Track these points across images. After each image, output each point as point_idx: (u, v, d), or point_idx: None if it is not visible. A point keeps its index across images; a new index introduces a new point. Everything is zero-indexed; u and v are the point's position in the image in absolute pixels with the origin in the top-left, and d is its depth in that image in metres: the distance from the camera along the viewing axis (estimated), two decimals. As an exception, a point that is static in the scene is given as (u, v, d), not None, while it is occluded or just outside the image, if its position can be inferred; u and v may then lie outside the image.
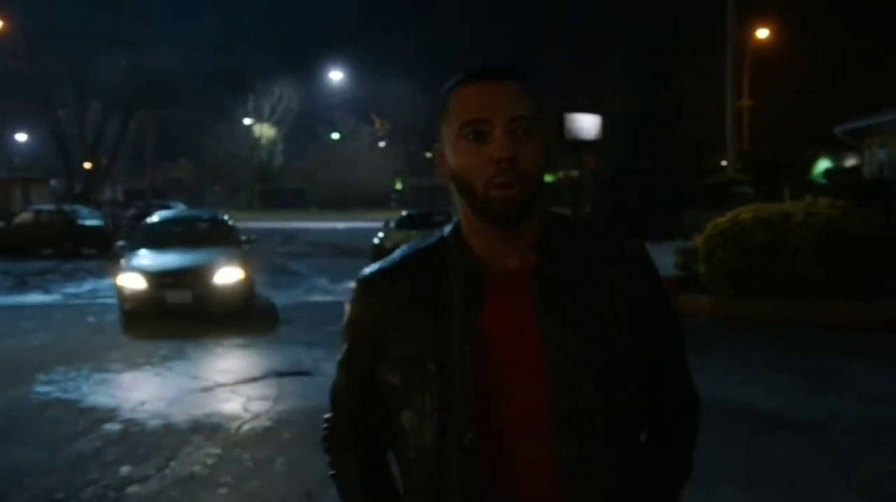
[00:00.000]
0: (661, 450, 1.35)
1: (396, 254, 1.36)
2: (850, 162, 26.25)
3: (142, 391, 6.79)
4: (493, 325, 1.24)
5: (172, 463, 4.85)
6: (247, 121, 54.60)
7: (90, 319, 10.74)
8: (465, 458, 1.21)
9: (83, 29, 31.68)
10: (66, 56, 31.73)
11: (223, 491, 4.44)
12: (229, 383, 6.95)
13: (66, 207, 23.03)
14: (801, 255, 9.62)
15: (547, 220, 1.31)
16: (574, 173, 24.76)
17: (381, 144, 56.10)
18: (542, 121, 1.28)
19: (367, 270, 1.36)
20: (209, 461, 4.91)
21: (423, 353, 1.25)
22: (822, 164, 27.94)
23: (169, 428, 5.61)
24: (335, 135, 55.98)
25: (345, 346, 1.37)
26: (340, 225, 32.20)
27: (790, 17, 28.25)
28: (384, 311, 1.30)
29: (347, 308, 1.40)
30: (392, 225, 16.52)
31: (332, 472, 1.40)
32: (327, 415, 1.41)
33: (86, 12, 32.15)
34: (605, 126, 24.89)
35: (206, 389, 6.77)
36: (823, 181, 21.47)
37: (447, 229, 1.34)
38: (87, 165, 37.25)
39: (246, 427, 5.64)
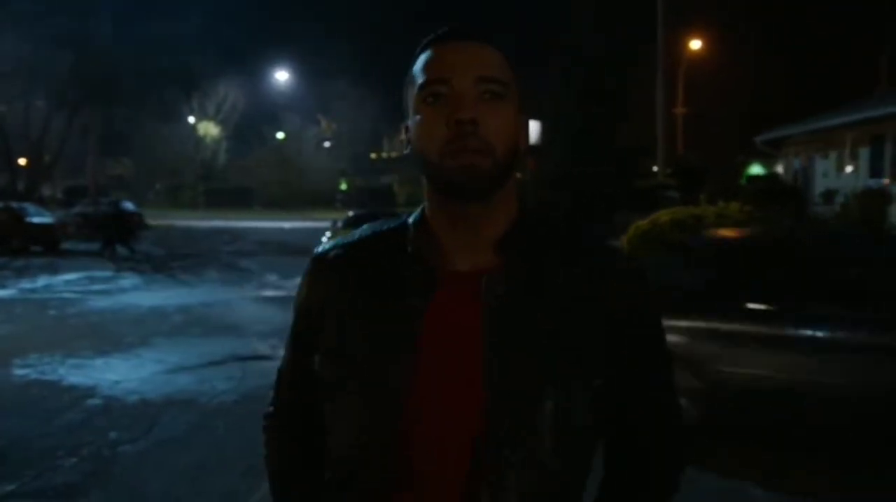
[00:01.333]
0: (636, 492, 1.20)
1: (357, 233, 1.20)
2: (780, 168, 27.81)
3: (115, 373, 7.45)
4: (435, 332, 1.06)
5: (155, 429, 5.60)
6: (191, 119, 54.50)
7: (52, 312, 11.27)
8: (381, 476, 1.06)
9: (28, 25, 31.53)
10: (9, 53, 31.57)
11: (203, 449, 5.21)
12: (195, 366, 7.65)
13: (14, 204, 23.13)
14: (707, 256, 10.72)
15: (519, 216, 1.12)
16: (518, 175, 25.79)
17: (327, 144, 56.56)
18: (516, 92, 1.08)
19: (322, 247, 1.21)
20: (187, 427, 5.68)
21: (353, 350, 1.09)
22: (754, 170, 29.32)
23: (146, 403, 6.33)
24: (280, 135, 56.25)
25: (292, 325, 1.22)
26: (287, 224, 32.72)
27: (725, 28, 29.77)
28: (328, 295, 1.14)
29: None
30: (339, 225, 17.19)
31: (264, 453, 1.30)
32: (272, 392, 1.30)
33: (30, 9, 31.98)
34: (545, 131, 26.04)
35: (174, 371, 7.46)
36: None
37: (414, 213, 1.17)
38: (24, 162, 36.99)
39: (216, 400, 6.40)
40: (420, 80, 1.08)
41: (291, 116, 54.55)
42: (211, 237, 26.02)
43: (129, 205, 25.57)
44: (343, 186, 53.50)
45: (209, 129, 55.29)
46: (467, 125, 1.03)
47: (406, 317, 1.08)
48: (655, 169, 23.29)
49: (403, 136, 1.15)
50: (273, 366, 6.62)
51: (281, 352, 5.82)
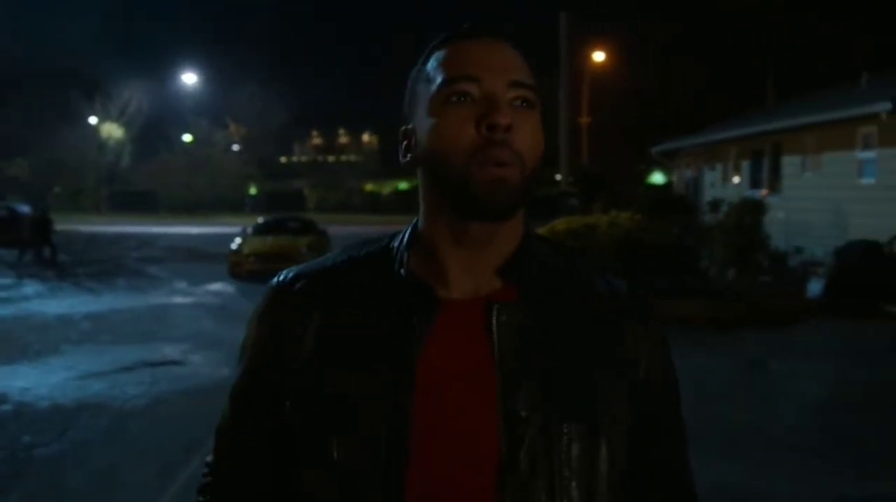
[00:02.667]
0: None
1: (327, 259, 1.06)
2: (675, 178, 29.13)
3: (24, 380, 7.55)
4: (437, 366, 0.94)
5: (69, 432, 5.84)
6: (93, 120, 52.95)
7: (-48, 321, 11.12)
8: None
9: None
10: None
11: (117, 450, 5.49)
12: (105, 372, 7.82)
13: None
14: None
15: (524, 237, 1.01)
16: (410, 183, 26.23)
17: (236, 148, 55.90)
18: (541, 101, 0.98)
19: (282, 276, 1.06)
20: (100, 429, 5.94)
21: (340, 396, 0.94)
22: (655, 179, 30.55)
23: (58, 408, 6.53)
24: (188, 138, 55.28)
25: (241, 372, 1.05)
26: (195, 230, 32.30)
27: (627, 42, 31.11)
28: (298, 332, 0.99)
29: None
30: (249, 231, 17.29)
31: None
32: (209, 459, 1.10)
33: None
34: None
35: (84, 377, 7.62)
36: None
37: (399, 235, 1.04)
38: None
39: (128, 404, 6.65)
40: (441, 76, 0.95)
41: (199, 120, 53.63)
42: (116, 243, 25.54)
43: (24, 209, 24.78)
44: (252, 191, 52.94)
45: (112, 132, 53.83)
46: (501, 132, 0.91)
47: (403, 349, 0.94)
48: (559, 177, 24.17)
49: (404, 142, 1.02)
50: (184, 371, 7.03)
51: (192, 357, 6.27)
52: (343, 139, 72.65)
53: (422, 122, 0.97)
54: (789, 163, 16.29)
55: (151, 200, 48.74)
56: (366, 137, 69.38)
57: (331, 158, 67.32)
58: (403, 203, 41.37)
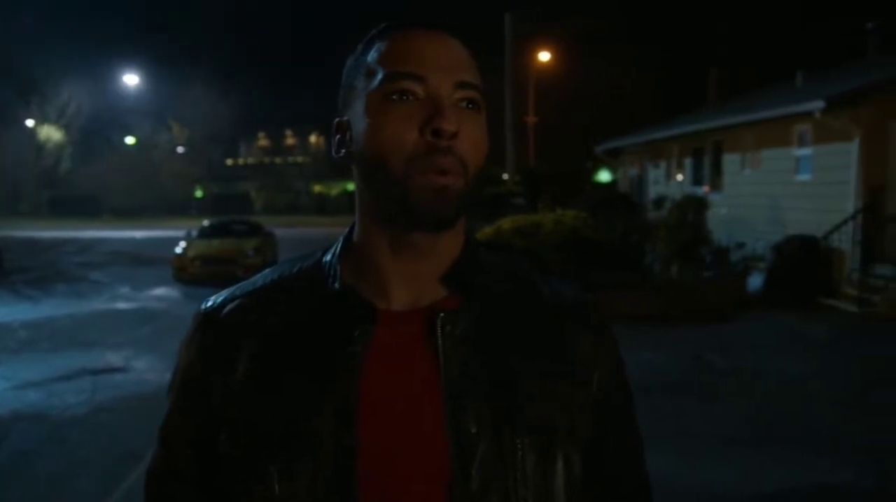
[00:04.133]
0: None
1: (256, 279, 1.00)
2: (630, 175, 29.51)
3: (-41, 391, 7.35)
4: (379, 384, 0.88)
5: (6, 442, 5.68)
6: (29, 122, 51.57)
7: None
8: None
9: None
10: None
11: (58, 458, 5.36)
12: (44, 381, 7.61)
13: None
14: (550, 259, 11.59)
15: (466, 244, 0.96)
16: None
17: (180, 150, 55.00)
18: (487, 102, 0.93)
19: (211, 301, 0.99)
20: (40, 439, 5.78)
21: (278, 426, 0.88)
22: (602, 177, 30.94)
23: (-5, 418, 6.35)
24: (130, 140, 54.21)
25: (170, 408, 0.98)
26: (138, 233, 31.71)
27: (573, 43, 31.49)
28: (231, 360, 0.93)
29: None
30: (194, 234, 17.02)
31: None
32: None
33: None
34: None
35: (22, 387, 7.40)
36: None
37: (331, 248, 0.98)
38: None
39: (68, 413, 6.49)
40: (383, 70, 0.89)
41: (142, 121, 52.66)
42: (56, 248, 24.91)
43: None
44: (198, 194, 52.14)
45: (51, 134, 52.50)
46: (446, 139, 0.85)
47: (344, 369, 0.89)
48: (505, 176, 24.31)
49: (337, 135, 0.95)
50: (127, 378, 6.88)
51: (135, 363, 6.12)
52: (290, 140, 71.99)
53: (359, 119, 0.91)
54: (730, 160, 16.66)
55: (93, 204, 47.67)
56: (313, 138, 68.86)
57: (278, 160, 66.63)
58: (352, 204, 41.08)
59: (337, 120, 0.96)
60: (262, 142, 72.82)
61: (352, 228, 0.98)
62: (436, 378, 0.89)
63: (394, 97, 0.88)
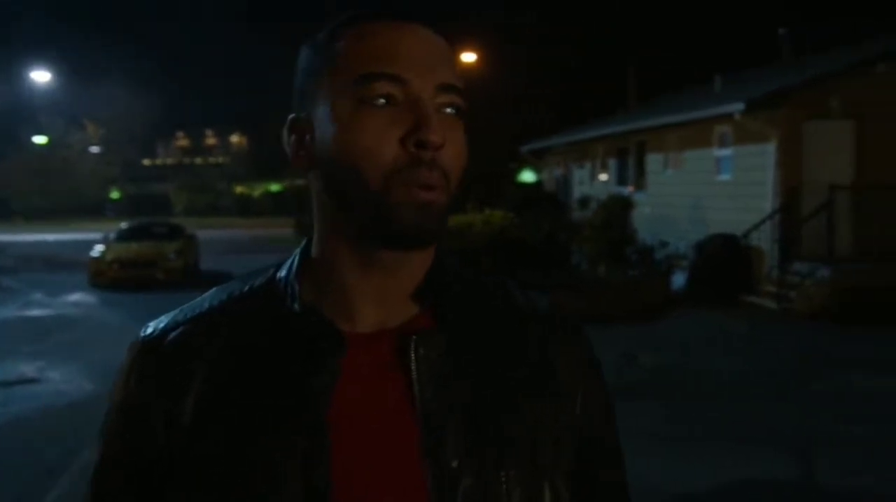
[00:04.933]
0: None
1: (199, 301, 0.89)
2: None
3: None
4: (349, 415, 0.79)
5: None
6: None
7: None
8: None
9: None
10: None
11: (-34, 478, 5.04)
12: (-48, 395, 7.21)
13: None
14: (481, 258, 11.60)
15: (436, 258, 0.87)
16: (299, 182, 25.84)
17: (95, 150, 53.18)
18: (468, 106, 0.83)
19: (151, 328, 0.88)
20: (-54, 458, 5.42)
21: (236, 466, 0.78)
22: (525, 177, 31.25)
23: None
24: (41, 140, 52.13)
25: (104, 452, 0.86)
26: (51, 237, 30.47)
27: (498, 43, 31.69)
28: (178, 395, 0.82)
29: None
30: (112, 237, 16.44)
31: None
32: None
33: None
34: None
35: (-73, 401, 7.00)
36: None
37: (286, 264, 0.88)
38: None
39: (-22, 428, 6.13)
40: (356, 70, 0.78)
41: (53, 120, 50.70)
42: (-39, 253, 23.72)
43: None
44: (114, 195, 50.50)
45: (-45, 133, 50.01)
46: (432, 151, 0.76)
47: (309, 400, 0.79)
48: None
49: (293, 135, 0.83)
50: (41, 389, 6.56)
51: (49, 374, 5.80)
52: (210, 140, 70.43)
53: (325, 123, 0.79)
54: (653, 160, 16.99)
55: (2, 206, 45.66)
56: (235, 138, 67.57)
57: (198, 160, 65.07)
58: (275, 205, 40.52)
59: (293, 117, 0.84)
60: (182, 141, 71.09)
61: (309, 241, 0.88)
62: (410, 407, 0.80)
63: (372, 101, 0.77)
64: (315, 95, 0.81)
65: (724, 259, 12.22)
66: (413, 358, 0.80)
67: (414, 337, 0.81)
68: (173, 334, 0.86)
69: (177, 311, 0.89)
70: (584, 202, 16.69)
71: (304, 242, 0.88)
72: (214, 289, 0.91)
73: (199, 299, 0.90)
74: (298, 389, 0.79)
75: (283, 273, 0.87)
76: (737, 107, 12.30)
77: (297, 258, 0.87)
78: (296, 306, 0.83)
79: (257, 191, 49.01)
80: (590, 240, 13.16)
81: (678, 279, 12.56)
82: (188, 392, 0.82)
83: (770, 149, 12.50)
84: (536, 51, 33.82)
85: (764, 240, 12.32)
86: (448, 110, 0.80)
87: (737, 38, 25.65)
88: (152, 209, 39.75)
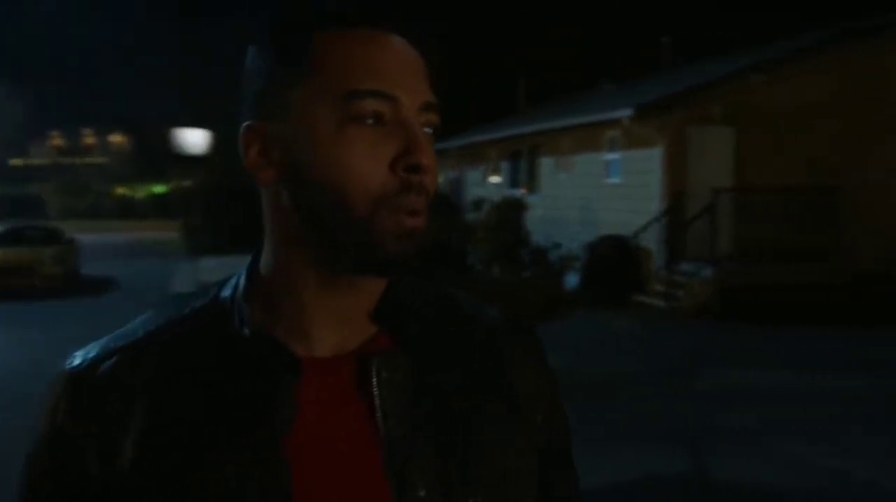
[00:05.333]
0: None
1: (133, 327, 0.81)
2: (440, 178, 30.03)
3: None
4: (309, 453, 0.74)
5: None
6: None
7: None
8: None
9: None
10: None
11: None
12: None
13: None
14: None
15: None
16: (186, 183, 25.00)
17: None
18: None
19: (79, 359, 0.79)
20: None
21: None
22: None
23: None
24: None
25: (26, 494, 0.78)
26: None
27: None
28: (115, 432, 0.74)
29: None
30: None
31: None
32: None
33: None
34: (216, 139, 25.47)
35: None
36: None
37: (230, 283, 0.82)
38: None
39: None
40: (349, 83, 0.72)
41: None
42: None
43: None
44: (-21, 196, 47.48)
45: None
46: (421, 176, 0.72)
47: (265, 433, 0.73)
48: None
49: (255, 146, 0.75)
50: None
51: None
52: (89, 140, 67.26)
53: (303, 136, 0.72)
54: (546, 163, 17.34)
55: None
56: (115, 138, 64.76)
57: (77, 160, 61.98)
58: (160, 207, 39.03)
59: (251, 124, 0.75)
60: (56, 141, 67.59)
61: (255, 259, 0.81)
62: (373, 433, 0.75)
63: (359, 119, 0.71)
64: (285, 104, 0.74)
65: (614, 260, 12.59)
66: (375, 382, 0.76)
67: (376, 359, 0.76)
68: (106, 364, 0.78)
69: (107, 339, 0.81)
70: (478, 204, 16.83)
71: (249, 260, 0.81)
72: (148, 313, 0.83)
73: (131, 325, 0.82)
74: (253, 419, 0.73)
75: (227, 293, 0.80)
76: (626, 112, 12.69)
77: (243, 276, 0.80)
78: (245, 330, 0.77)
79: (140, 192, 47.13)
80: (484, 242, 13.27)
81: (571, 279, 12.84)
82: (127, 427, 0.74)
83: (657, 154, 12.95)
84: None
85: (652, 241, 12.76)
86: (427, 129, 0.75)
87: (621, 44, 26.53)
88: (25, 211, 37.56)
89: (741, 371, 8.09)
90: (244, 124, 0.76)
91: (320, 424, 0.74)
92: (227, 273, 0.82)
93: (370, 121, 0.71)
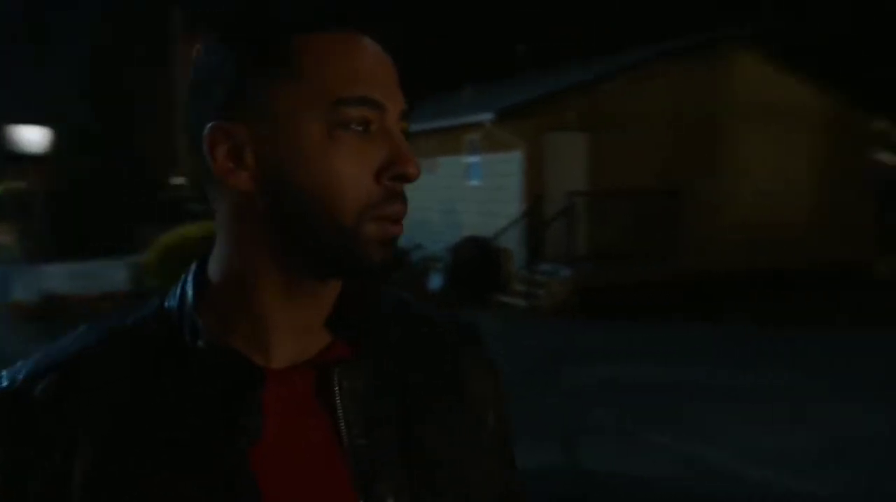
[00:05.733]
0: None
1: (68, 343, 0.75)
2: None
3: None
4: (276, 475, 0.71)
5: None
6: None
7: None
8: None
9: None
10: None
11: None
12: None
13: None
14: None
15: (343, 284, 0.80)
16: (20, 185, 23.34)
17: None
18: None
19: (8, 379, 0.73)
20: None
21: None
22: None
23: None
24: None
25: None
26: None
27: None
28: (58, 460, 0.69)
29: None
30: None
31: None
32: None
33: None
34: (55, 136, 23.92)
35: None
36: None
37: (173, 293, 0.77)
38: None
39: None
40: (338, 90, 0.70)
41: None
42: None
43: None
44: None
45: None
46: (408, 183, 0.73)
47: (229, 452, 0.70)
48: (181, 180, 23.08)
49: (223, 146, 0.71)
50: None
51: None
52: None
53: (286, 142, 0.69)
54: (407, 165, 17.37)
55: None
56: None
57: None
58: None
59: (218, 125, 0.70)
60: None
61: (201, 267, 0.77)
62: (337, 444, 0.74)
63: (347, 127, 0.70)
64: (262, 106, 0.70)
65: (476, 261, 12.85)
66: (337, 391, 0.74)
67: (337, 368, 0.75)
68: (41, 384, 0.71)
69: (38, 356, 0.75)
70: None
71: (193, 268, 0.78)
72: (83, 327, 0.78)
73: (64, 340, 0.76)
74: (213, 437, 0.70)
75: (172, 303, 0.76)
76: (487, 116, 12.98)
77: (189, 286, 0.76)
78: (200, 342, 0.72)
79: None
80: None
81: (435, 280, 13.00)
82: (74, 457, 0.69)
83: (517, 157, 13.33)
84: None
85: (513, 243, 13.11)
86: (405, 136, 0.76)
87: (479, 49, 27.11)
88: None
89: (603, 366, 8.47)
90: (209, 124, 0.71)
91: (283, 436, 0.72)
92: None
93: (358, 128, 0.71)
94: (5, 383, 0.73)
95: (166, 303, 0.77)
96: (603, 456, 5.69)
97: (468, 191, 14.87)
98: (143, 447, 0.69)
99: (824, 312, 11.62)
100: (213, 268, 0.76)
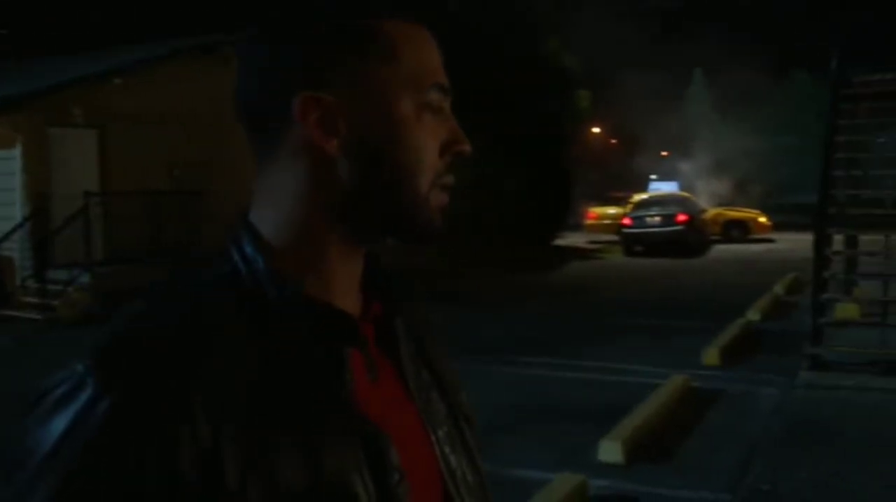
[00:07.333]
0: None
1: (149, 317, 0.72)
2: None
3: None
4: (373, 413, 0.77)
5: None
6: None
7: None
8: None
9: None
10: None
11: None
12: None
13: None
14: None
15: None
16: None
17: None
18: None
19: (111, 354, 0.69)
20: None
21: (301, 487, 0.69)
22: None
23: None
24: None
25: None
26: None
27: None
28: (206, 433, 0.66)
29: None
30: None
31: None
32: None
33: None
34: None
35: None
36: None
37: (230, 257, 0.77)
38: None
39: None
40: (429, 76, 0.79)
41: None
42: None
43: None
44: None
45: None
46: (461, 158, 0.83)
47: (348, 404, 0.74)
48: None
49: (312, 116, 0.75)
50: None
51: None
52: None
53: (380, 116, 0.76)
54: None
55: None
56: None
57: None
58: None
59: (311, 95, 0.75)
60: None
61: (249, 231, 0.78)
62: (404, 391, 0.83)
63: (431, 108, 0.79)
64: (356, 82, 0.76)
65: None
66: (400, 341, 0.84)
67: (398, 318, 0.85)
68: (157, 359, 0.67)
69: (130, 331, 0.70)
70: None
71: (242, 231, 0.78)
72: (149, 295, 0.74)
73: (137, 308, 0.73)
74: (327, 387, 0.74)
75: (240, 266, 0.76)
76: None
77: (249, 248, 0.76)
78: (291, 297, 0.75)
79: None
80: None
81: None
82: (217, 425, 0.66)
83: (17, 155, 11.96)
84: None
85: (17, 250, 11.76)
86: None
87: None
88: None
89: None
90: (302, 93, 0.75)
91: (374, 392, 0.78)
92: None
93: (436, 110, 0.80)
94: (119, 356, 0.68)
95: (234, 257, 0.76)
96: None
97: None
98: (277, 409, 0.69)
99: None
100: (270, 232, 0.78)
